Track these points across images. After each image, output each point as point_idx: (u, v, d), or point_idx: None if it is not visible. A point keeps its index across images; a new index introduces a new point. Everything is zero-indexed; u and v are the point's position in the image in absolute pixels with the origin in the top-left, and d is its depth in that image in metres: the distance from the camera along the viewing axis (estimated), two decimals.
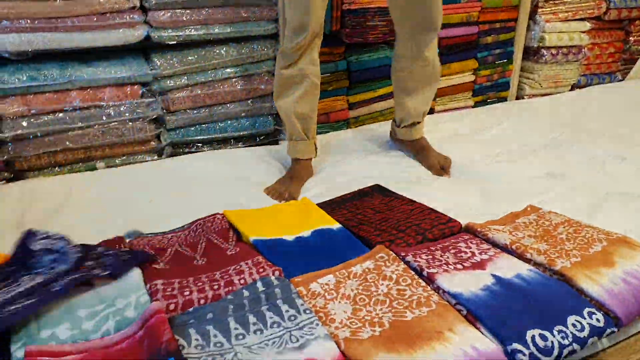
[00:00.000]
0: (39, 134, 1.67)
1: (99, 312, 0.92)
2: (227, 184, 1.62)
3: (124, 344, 0.83)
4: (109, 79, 1.70)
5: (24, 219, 1.39)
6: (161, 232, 1.26)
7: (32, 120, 1.65)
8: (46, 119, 1.67)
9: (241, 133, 1.99)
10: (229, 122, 1.96)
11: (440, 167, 1.70)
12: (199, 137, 1.93)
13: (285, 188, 1.58)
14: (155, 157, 1.88)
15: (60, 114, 1.68)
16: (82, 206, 1.48)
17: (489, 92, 2.53)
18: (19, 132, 1.63)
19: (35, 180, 1.66)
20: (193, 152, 1.91)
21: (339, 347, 0.82)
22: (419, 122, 1.77)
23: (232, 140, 2.01)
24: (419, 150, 1.78)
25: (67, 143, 1.72)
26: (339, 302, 0.95)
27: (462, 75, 2.40)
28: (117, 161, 1.82)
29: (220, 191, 1.56)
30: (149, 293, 0.96)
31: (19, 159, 1.69)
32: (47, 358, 0.78)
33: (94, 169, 1.79)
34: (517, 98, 2.62)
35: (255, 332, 0.86)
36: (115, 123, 1.76)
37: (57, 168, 1.76)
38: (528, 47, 2.54)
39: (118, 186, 1.61)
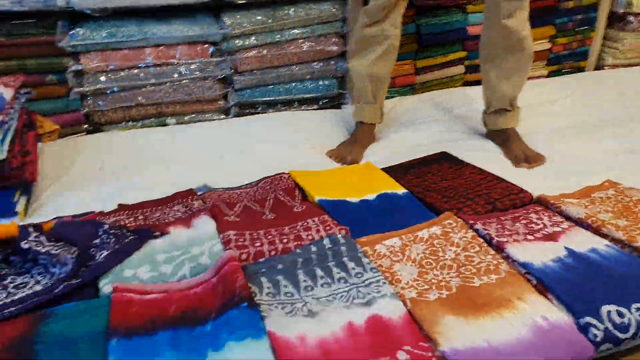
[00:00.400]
0: (115, 89, 1.75)
1: (176, 257, 0.98)
2: (291, 145, 1.64)
3: (199, 288, 0.88)
4: (181, 37, 1.75)
5: (103, 169, 1.48)
6: (230, 188, 1.31)
7: (110, 75, 1.73)
8: (122, 74, 1.74)
9: (305, 95, 1.99)
10: (294, 84, 1.97)
11: (525, 158, 1.48)
12: (264, 99, 1.95)
13: (348, 152, 1.58)
14: (222, 117, 1.93)
15: (135, 70, 1.75)
16: (156, 159, 1.55)
17: (565, 62, 2.38)
18: (98, 86, 1.72)
19: (112, 133, 1.75)
20: (258, 113, 1.94)
21: (405, 306, 0.83)
22: (507, 110, 1.56)
23: (295, 102, 2.02)
24: (505, 140, 1.57)
25: (140, 99, 1.79)
26: (405, 264, 0.95)
27: (536, 42, 2.26)
28: (185, 118, 1.89)
29: (284, 152, 1.59)
30: (222, 242, 1.00)
31: (97, 113, 1.78)
32: (132, 294, 0.84)
33: (164, 124, 1.86)
34: (597, 69, 2.45)
35: (322, 285, 0.88)
36: (186, 81, 1.81)
37: (130, 123, 1.84)
38: (613, 13, 2.35)
39: (188, 142, 1.67)
